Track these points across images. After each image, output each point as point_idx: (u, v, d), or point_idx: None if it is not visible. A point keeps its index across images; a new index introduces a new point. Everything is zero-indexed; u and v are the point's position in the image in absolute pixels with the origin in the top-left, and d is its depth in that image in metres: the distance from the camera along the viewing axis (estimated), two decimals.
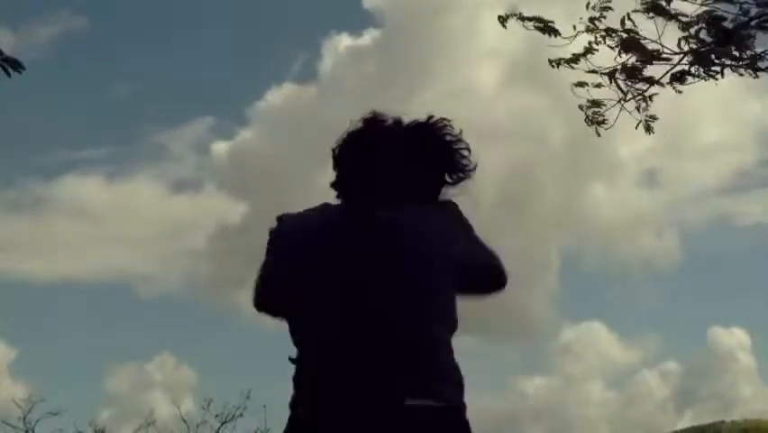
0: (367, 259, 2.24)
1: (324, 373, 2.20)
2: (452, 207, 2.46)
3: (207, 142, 39.82)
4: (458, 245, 2.35)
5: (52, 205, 34.60)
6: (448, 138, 2.43)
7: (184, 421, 17.37)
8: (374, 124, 2.43)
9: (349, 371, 2.17)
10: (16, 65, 5.41)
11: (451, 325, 2.29)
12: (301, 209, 2.43)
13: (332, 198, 2.46)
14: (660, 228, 39.16)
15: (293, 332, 2.32)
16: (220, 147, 36.53)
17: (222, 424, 16.77)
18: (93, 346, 30.85)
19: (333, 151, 2.44)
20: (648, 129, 6.98)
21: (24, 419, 16.83)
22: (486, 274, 2.44)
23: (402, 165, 2.40)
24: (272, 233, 2.42)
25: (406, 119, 2.45)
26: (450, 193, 2.48)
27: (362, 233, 2.28)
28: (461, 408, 2.24)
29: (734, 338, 32.08)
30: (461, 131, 2.45)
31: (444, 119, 2.45)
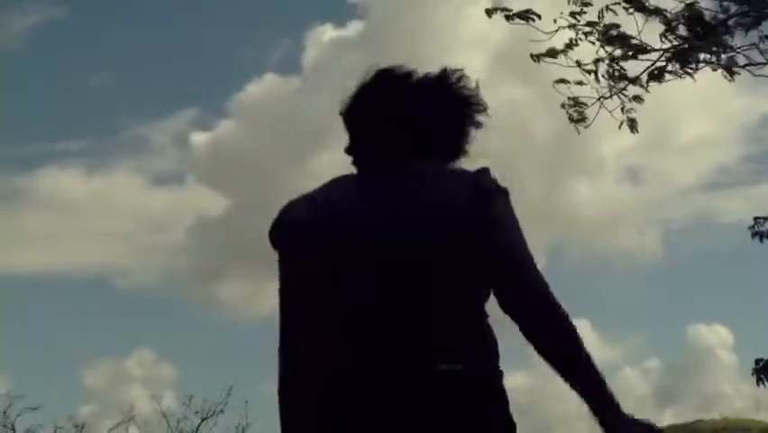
0: (391, 236, 2.08)
1: (352, 344, 2.07)
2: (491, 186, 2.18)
3: (188, 135, 39.60)
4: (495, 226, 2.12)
5: (30, 197, 34.30)
6: (465, 93, 2.25)
7: (164, 417, 17.35)
8: (383, 78, 2.25)
9: (380, 337, 2.05)
10: None
11: (481, 293, 2.15)
12: (279, 203, 2.18)
13: (315, 185, 2.24)
14: (642, 225, 39.19)
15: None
16: (201, 139, 36.30)
17: (202, 420, 16.76)
18: (71, 340, 30.48)
19: (341, 112, 2.27)
20: (632, 128, 7.00)
21: (5, 413, 16.78)
22: (516, 268, 2.14)
23: (417, 123, 2.21)
24: (279, 241, 2.14)
25: (419, 72, 2.26)
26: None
27: (382, 211, 2.11)
28: (496, 372, 2.12)
29: (715, 336, 32.26)
30: (477, 84, 2.26)
31: (460, 70, 2.26)
